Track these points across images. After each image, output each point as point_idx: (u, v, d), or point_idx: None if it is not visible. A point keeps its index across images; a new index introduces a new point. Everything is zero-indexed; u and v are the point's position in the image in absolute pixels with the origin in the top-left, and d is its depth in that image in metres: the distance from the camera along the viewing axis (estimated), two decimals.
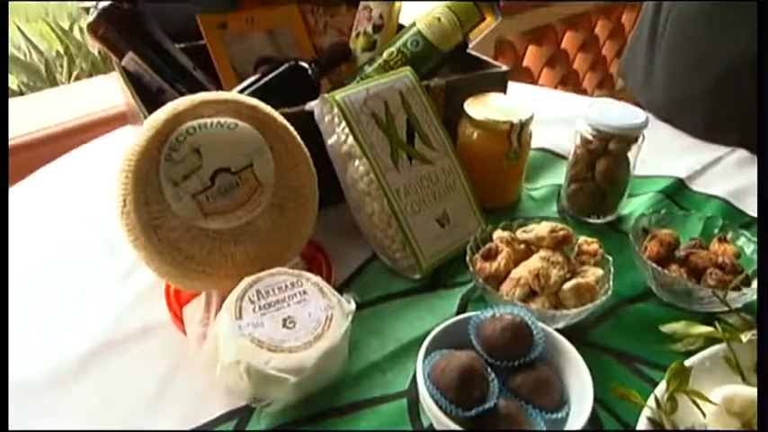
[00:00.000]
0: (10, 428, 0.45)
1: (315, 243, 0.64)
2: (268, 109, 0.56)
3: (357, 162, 0.62)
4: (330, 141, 0.63)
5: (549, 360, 0.47)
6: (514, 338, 0.46)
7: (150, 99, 0.68)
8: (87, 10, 0.75)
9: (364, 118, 0.62)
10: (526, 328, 0.47)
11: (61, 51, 1.75)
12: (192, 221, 0.51)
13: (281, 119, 0.57)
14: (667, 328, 0.52)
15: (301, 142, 0.57)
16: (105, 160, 0.85)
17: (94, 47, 1.67)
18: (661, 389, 0.43)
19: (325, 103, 0.62)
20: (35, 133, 0.98)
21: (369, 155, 0.61)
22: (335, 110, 0.62)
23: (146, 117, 0.54)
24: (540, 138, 0.71)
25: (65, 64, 1.73)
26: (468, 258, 0.57)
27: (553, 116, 0.89)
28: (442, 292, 0.60)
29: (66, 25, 1.78)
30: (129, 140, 0.52)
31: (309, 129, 0.57)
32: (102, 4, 0.73)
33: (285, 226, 0.55)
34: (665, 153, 0.83)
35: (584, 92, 2.05)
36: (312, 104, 0.64)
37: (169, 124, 0.52)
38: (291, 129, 0.57)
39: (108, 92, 1.15)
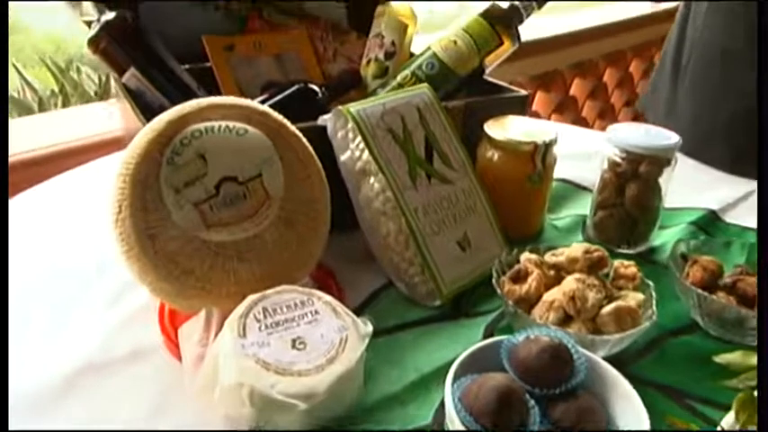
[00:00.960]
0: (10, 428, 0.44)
1: (325, 267, 0.61)
2: (279, 116, 0.55)
3: (372, 179, 0.60)
4: (343, 158, 0.62)
5: (592, 388, 0.44)
6: (553, 362, 0.42)
7: (152, 118, 0.66)
8: (89, 23, 0.74)
9: (380, 133, 0.61)
10: (566, 351, 0.43)
11: (56, 90, 1.77)
12: (192, 232, 0.49)
13: (292, 127, 0.55)
14: (721, 358, 0.48)
15: (314, 153, 0.56)
16: (99, 182, 0.84)
17: (95, 71, 1.68)
18: (729, 421, 0.39)
19: (339, 116, 0.61)
20: (23, 155, 0.97)
21: (386, 171, 0.59)
22: (350, 124, 0.60)
23: None
24: (558, 170, 0.70)
25: (59, 103, 1.74)
26: (494, 280, 0.54)
27: (571, 150, 0.88)
28: (464, 321, 0.58)
29: (63, 65, 1.81)
30: (131, 143, 0.50)
31: (320, 146, 0.57)
32: (104, 18, 0.73)
33: (294, 242, 0.53)
34: (692, 186, 0.82)
35: None
36: (325, 118, 0.63)
37: (173, 126, 0.50)
38: (303, 138, 0.56)
39: (101, 118, 1.15)
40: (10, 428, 0.44)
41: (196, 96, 0.74)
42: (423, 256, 0.58)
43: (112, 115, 1.12)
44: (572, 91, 1.96)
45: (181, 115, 0.51)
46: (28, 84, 1.72)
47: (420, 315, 0.58)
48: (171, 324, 0.54)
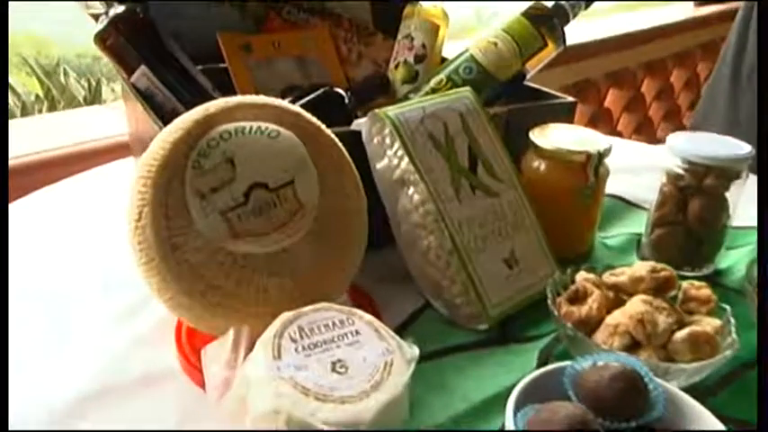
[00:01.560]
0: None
1: (358, 287, 0.61)
2: (313, 119, 0.55)
3: (412, 189, 0.60)
4: (379, 166, 0.62)
5: (671, 422, 0.43)
6: (627, 391, 0.42)
7: (163, 122, 0.67)
8: (96, 17, 0.75)
9: (420, 139, 0.61)
10: (640, 380, 0.43)
11: (41, 95, 1.78)
12: (218, 243, 0.49)
13: (328, 131, 0.56)
14: None
15: (350, 160, 0.56)
16: (102, 190, 0.87)
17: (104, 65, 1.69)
18: None
19: (376, 120, 0.62)
20: (14, 160, 0.98)
21: (427, 181, 0.59)
22: (388, 128, 0.61)
23: None
24: (607, 185, 0.70)
25: (44, 108, 1.76)
26: (549, 302, 0.54)
27: (620, 165, 0.88)
28: (513, 346, 0.58)
29: (48, 67, 1.82)
30: (153, 144, 0.51)
31: (353, 154, 0.57)
32: (113, 11, 0.74)
33: (329, 257, 0.53)
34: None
35: (658, 141, 2.11)
36: (360, 122, 0.63)
37: (200, 126, 0.51)
38: (339, 144, 0.56)
39: (98, 123, 1.16)
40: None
41: (212, 99, 0.76)
42: (467, 274, 0.58)
43: (110, 119, 1.14)
44: (607, 102, 1.97)
45: (208, 114, 0.51)
46: (10, 87, 1.74)
47: (464, 339, 0.58)
48: (190, 344, 0.54)
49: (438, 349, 0.56)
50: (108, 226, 0.74)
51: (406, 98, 0.78)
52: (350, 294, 0.57)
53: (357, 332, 0.47)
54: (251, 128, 0.51)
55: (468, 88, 0.68)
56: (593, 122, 1.91)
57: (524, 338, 0.58)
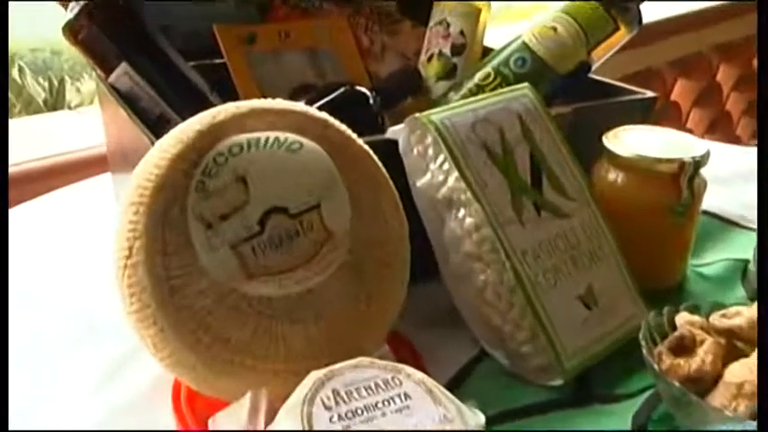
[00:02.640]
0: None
1: (398, 333, 0.61)
2: (343, 127, 0.55)
3: (462, 212, 0.59)
4: (420, 182, 0.61)
5: None
6: None
7: (150, 131, 0.67)
8: (66, 3, 0.75)
9: (473, 150, 0.60)
10: None
11: None
12: (229, 284, 0.48)
13: (360, 142, 0.56)
14: None
15: (389, 178, 0.56)
16: (73, 218, 0.88)
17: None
18: None
19: (416, 127, 0.61)
20: None
21: (482, 200, 0.58)
22: (431, 137, 0.60)
23: (152, 143, 0.54)
24: None
25: None
26: (644, 351, 0.52)
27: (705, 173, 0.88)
28: (597, 407, 0.56)
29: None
30: (146, 159, 0.50)
31: (387, 168, 0.56)
32: None
33: (364, 298, 0.52)
34: None
35: (737, 140, 2.08)
36: (396, 130, 0.63)
37: (205, 138, 0.50)
38: (375, 157, 0.56)
39: (65, 132, 1.16)
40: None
41: (208, 102, 0.77)
42: (535, 315, 0.57)
43: (81, 127, 1.14)
44: (674, 95, 1.96)
45: (215, 123, 0.51)
46: None
47: (533, 399, 0.57)
48: (190, 409, 0.54)
49: (500, 412, 0.55)
50: (84, 261, 0.74)
51: (444, 98, 0.78)
52: (390, 343, 0.56)
53: (406, 395, 0.46)
54: (267, 139, 0.50)
55: (526, 84, 0.67)
56: (700, 102, 1.91)
57: (611, 397, 0.57)
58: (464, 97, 0.74)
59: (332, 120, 0.55)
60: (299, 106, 0.54)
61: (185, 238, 0.48)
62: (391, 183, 0.56)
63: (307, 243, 0.49)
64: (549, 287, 0.59)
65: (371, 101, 0.76)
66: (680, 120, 2.00)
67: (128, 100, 0.72)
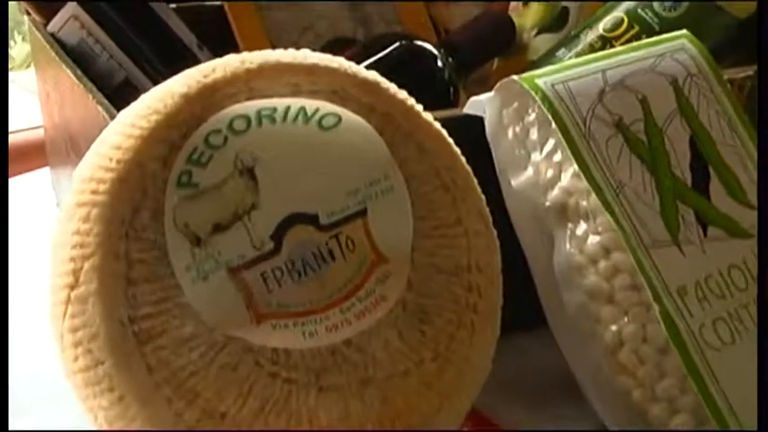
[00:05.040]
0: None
1: (479, 411, 0.63)
2: (404, 95, 0.56)
3: (584, 226, 0.60)
4: (518, 181, 0.63)
5: None
6: None
7: (111, 103, 0.71)
8: None
9: (600, 131, 0.61)
10: None
11: None
12: (226, 329, 0.49)
13: (428, 117, 0.57)
14: None
15: (470, 171, 0.57)
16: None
17: None
18: None
19: (513, 95, 0.62)
20: None
21: (616, 210, 0.58)
22: (535, 111, 0.61)
23: (112, 119, 0.55)
24: None
25: None
26: None
27: None
28: None
29: None
30: (102, 139, 0.52)
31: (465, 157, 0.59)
32: None
33: (431, 357, 0.53)
34: None
35: None
36: (480, 100, 0.64)
37: (192, 107, 0.51)
38: (452, 143, 0.57)
39: None
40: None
41: (194, 59, 0.80)
42: (701, 390, 0.56)
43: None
44: None
45: (206, 84, 0.52)
46: None
47: None
48: None
49: None
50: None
51: (550, 58, 0.82)
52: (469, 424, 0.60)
53: None
54: (287, 110, 0.51)
55: (684, 32, 0.68)
56: None
57: None
58: (581, 55, 0.77)
59: (387, 83, 0.56)
60: (338, 61, 0.55)
61: (160, 257, 0.48)
62: (475, 181, 0.56)
63: (345, 270, 0.51)
64: (723, 347, 0.58)
65: (439, 61, 0.80)
66: None
67: (77, 57, 0.75)
